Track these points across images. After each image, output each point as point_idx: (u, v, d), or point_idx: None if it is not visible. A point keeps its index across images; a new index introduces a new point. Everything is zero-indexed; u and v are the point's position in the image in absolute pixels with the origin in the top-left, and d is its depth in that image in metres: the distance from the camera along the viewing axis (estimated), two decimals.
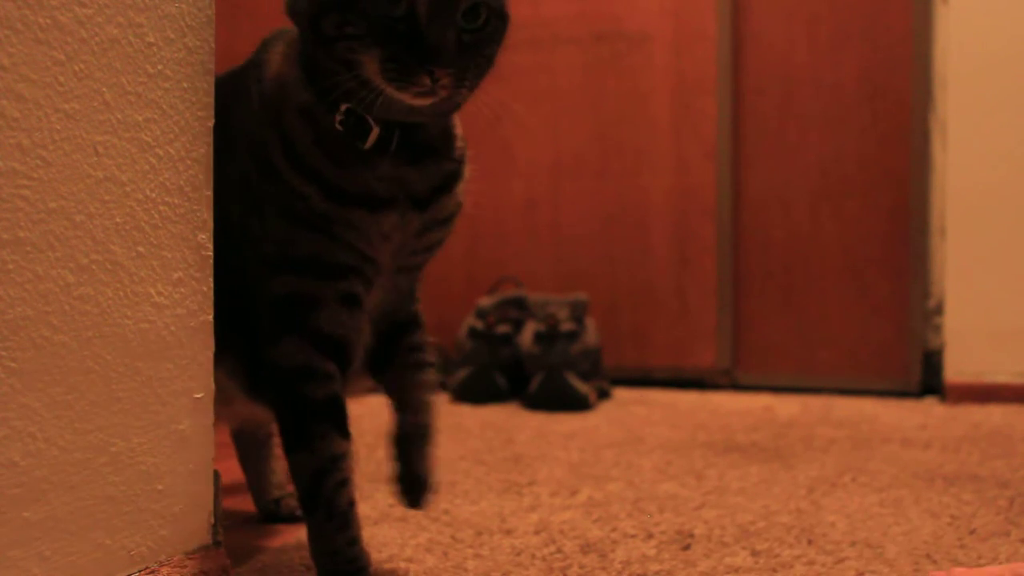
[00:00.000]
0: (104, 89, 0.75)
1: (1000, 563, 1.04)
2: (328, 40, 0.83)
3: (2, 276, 0.66)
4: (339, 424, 0.92)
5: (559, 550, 1.09)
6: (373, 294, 0.94)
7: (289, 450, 0.92)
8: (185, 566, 0.84)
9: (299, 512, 1.23)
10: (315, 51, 0.86)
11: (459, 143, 0.98)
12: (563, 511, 1.27)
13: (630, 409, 2.18)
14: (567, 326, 2.23)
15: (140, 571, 0.80)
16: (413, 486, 0.99)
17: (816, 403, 2.26)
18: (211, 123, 0.87)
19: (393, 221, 0.91)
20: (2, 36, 0.66)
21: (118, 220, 0.77)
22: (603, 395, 2.35)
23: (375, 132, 0.87)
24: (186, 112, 0.84)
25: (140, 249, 0.79)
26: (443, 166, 0.94)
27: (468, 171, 0.99)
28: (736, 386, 2.55)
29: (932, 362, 2.40)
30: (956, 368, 2.29)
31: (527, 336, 2.28)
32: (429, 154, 0.92)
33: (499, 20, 0.89)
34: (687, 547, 1.11)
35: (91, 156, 0.74)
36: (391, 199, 0.90)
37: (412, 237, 0.94)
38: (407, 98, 0.82)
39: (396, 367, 1.01)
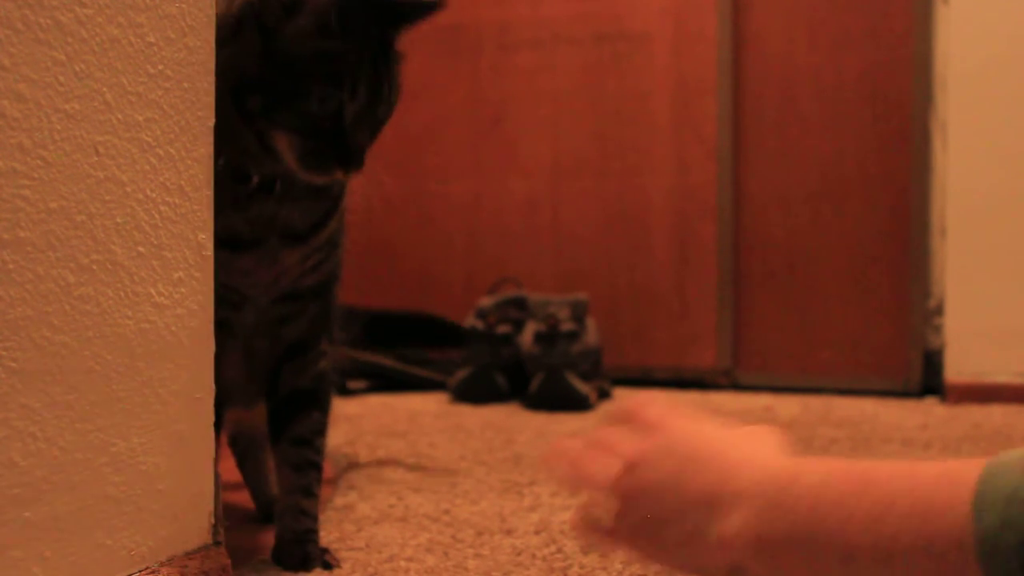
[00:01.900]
0: (105, 89, 0.75)
1: None
2: (247, 113, 0.89)
3: (2, 276, 0.66)
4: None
5: (560, 550, 1.09)
6: (246, 314, 0.97)
7: None
8: (185, 566, 0.84)
9: None
10: (226, 112, 0.88)
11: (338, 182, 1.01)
12: (564, 511, 1.26)
13: None
14: (567, 326, 2.23)
15: (140, 571, 0.80)
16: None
17: (816, 403, 2.26)
18: (211, 123, 0.87)
19: (253, 261, 0.95)
20: (2, 36, 0.66)
21: (119, 220, 0.77)
22: (603, 395, 2.35)
23: (255, 180, 0.93)
24: (186, 112, 0.84)
25: (140, 249, 0.79)
26: (321, 204, 0.99)
27: (344, 202, 1.05)
28: (736, 386, 2.55)
29: (932, 362, 2.40)
30: (956, 368, 2.29)
31: (527, 336, 2.28)
32: (308, 195, 0.97)
33: (392, 109, 0.97)
34: None
35: (92, 156, 0.74)
36: (255, 241, 0.94)
37: (295, 265, 0.98)
38: (313, 179, 0.91)
39: (280, 452, 1.03)
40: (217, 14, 0.86)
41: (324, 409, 1.05)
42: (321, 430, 1.04)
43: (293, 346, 1.04)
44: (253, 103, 0.88)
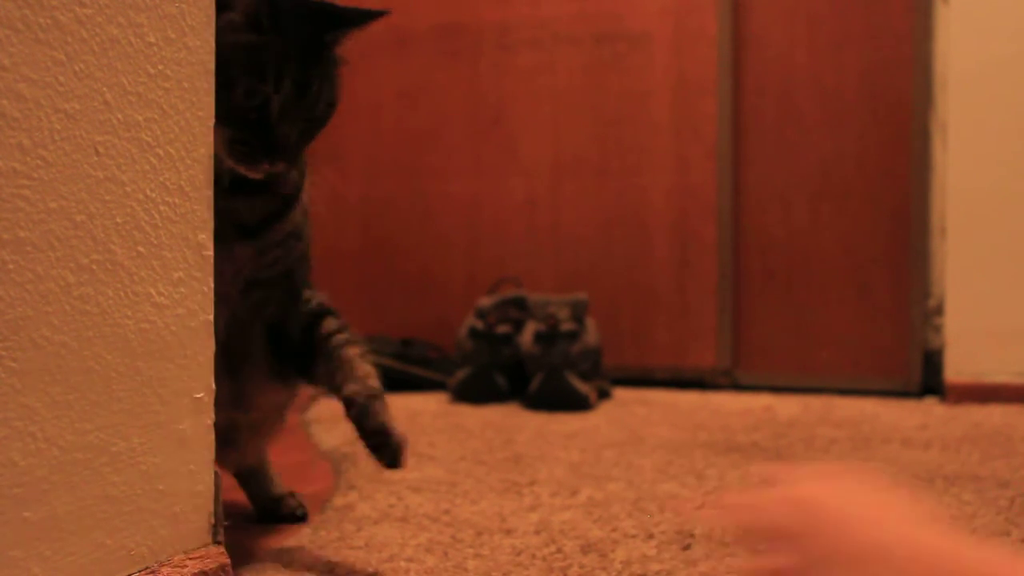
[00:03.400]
0: (104, 89, 0.75)
1: None
2: None
3: (2, 276, 0.66)
4: None
5: (559, 550, 1.09)
6: (219, 313, 0.97)
7: None
8: (185, 566, 0.84)
9: (299, 512, 1.24)
10: None
11: (294, 177, 1.05)
12: (563, 511, 1.27)
13: (630, 409, 2.18)
14: (567, 326, 2.23)
15: (140, 571, 0.80)
16: (381, 439, 1.00)
17: (816, 403, 2.26)
18: (211, 123, 0.87)
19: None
20: (2, 36, 0.66)
21: (118, 220, 0.77)
22: (603, 395, 2.35)
23: None
24: (186, 112, 0.84)
25: (140, 249, 0.79)
26: (273, 199, 1.02)
27: (305, 196, 1.08)
28: (736, 386, 2.55)
29: (932, 362, 2.40)
30: (956, 368, 2.29)
31: (527, 336, 2.28)
32: (259, 190, 1.00)
33: (330, 108, 1.00)
34: (687, 547, 1.11)
35: (91, 156, 0.74)
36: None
37: (251, 260, 1.01)
38: (243, 171, 0.95)
39: (320, 357, 1.05)
40: None
41: (336, 315, 1.08)
42: (341, 328, 1.07)
43: (275, 324, 1.08)
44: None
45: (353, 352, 1.05)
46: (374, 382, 1.02)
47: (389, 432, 1.00)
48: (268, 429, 1.20)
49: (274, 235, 1.04)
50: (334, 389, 1.03)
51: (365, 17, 0.97)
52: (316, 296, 1.11)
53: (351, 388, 1.01)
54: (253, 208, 1.01)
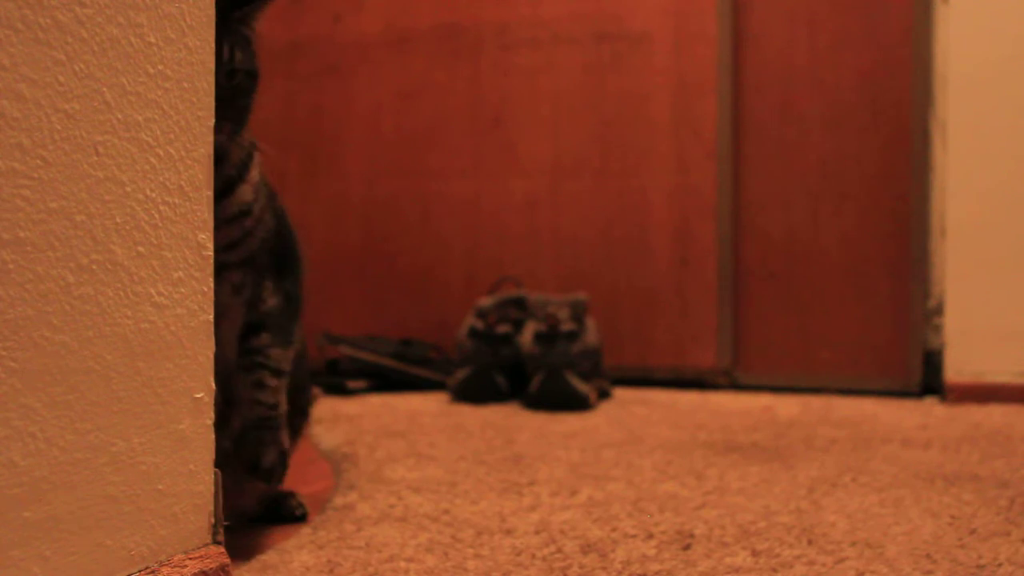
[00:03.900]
0: (104, 89, 0.75)
1: (1000, 563, 1.04)
2: None
3: (2, 276, 0.66)
4: None
5: (559, 550, 1.09)
6: None
7: None
8: (185, 566, 0.84)
9: (299, 512, 1.24)
10: None
11: (237, 154, 1.08)
12: (563, 511, 1.27)
13: (630, 409, 2.18)
14: (567, 326, 2.23)
15: (140, 571, 0.80)
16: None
17: (816, 403, 2.26)
18: (211, 123, 0.87)
19: None
20: (2, 36, 0.66)
21: (118, 220, 0.77)
22: (603, 395, 2.35)
23: None
24: (186, 112, 0.84)
25: (140, 249, 0.79)
26: (220, 173, 1.04)
27: (255, 174, 1.11)
28: (736, 386, 2.55)
29: (932, 362, 2.40)
30: (956, 368, 2.29)
31: (527, 336, 2.28)
32: None
33: (250, 78, 1.06)
34: (687, 547, 1.11)
35: (91, 156, 0.74)
36: None
37: None
38: None
39: (237, 366, 1.13)
40: None
41: (272, 332, 1.14)
42: (270, 344, 1.14)
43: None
44: None
45: (253, 379, 1.12)
46: (254, 412, 1.12)
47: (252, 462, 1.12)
48: None
49: (223, 211, 1.06)
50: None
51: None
52: (273, 296, 1.14)
53: (240, 415, 1.12)
54: None
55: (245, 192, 1.09)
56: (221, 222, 1.05)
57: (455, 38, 2.79)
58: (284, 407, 1.16)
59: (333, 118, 2.89)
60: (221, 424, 1.11)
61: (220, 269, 1.06)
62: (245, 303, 1.12)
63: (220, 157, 1.04)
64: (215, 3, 0.98)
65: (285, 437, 1.15)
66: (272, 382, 1.13)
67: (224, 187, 1.07)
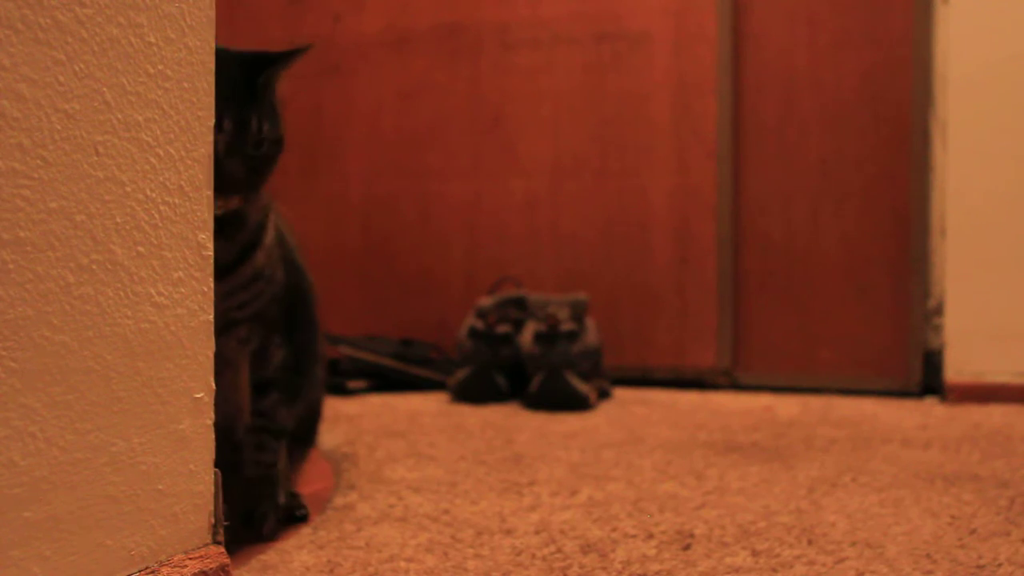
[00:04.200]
0: (104, 89, 0.75)
1: (1000, 563, 1.04)
2: None
3: (2, 276, 0.66)
4: None
5: (559, 550, 1.09)
6: None
7: None
8: (185, 566, 0.84)
9: (299, 512, 1.24)
10: None
11: (254, 219, 1.12)
12: (563, 511, 1.27)
13: (630, 409, 2.18)
14: (567, 326, 2.23)
15: (140, 571, 0.80)
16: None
17: (816, 403, 2.26)
18: (211, 123, 0.87)
19: None
20: (2, 36, 0.66)
21: (118, 220, 0.77)
22: (603, 395, 2.35)
23: None
24: (186, 112, 0.84)
25: (140, 249, 0.79)
26: (238, 240, 1.10)
27: (268, 238, 1.15)
28: (736, 386, 2.55)
29: (932, 362, 2.40)
30: (956, 368, 2.29)
31: (527, 336, 2.28)
32: (221, 233, 1.05)
33: (276, 145, 1.07)
34: (687, 547, 1.11)
35: (91, 156, 0.74)
36: None
37: (218, 301, 1.06)
38: None
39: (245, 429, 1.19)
40: None
41: (279, 390, 1.20)
42: (275, 404, 1.19)
43: (252, 362, 1.18)
44: None
45: (254, 441, 1.18)
46: (253, 471, 1.18)
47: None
48: None
49: (239, 278, 1.10)
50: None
51: (289, 57, 1.07)
52: (280, 349, 1.19)
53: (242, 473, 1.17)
54: (218, 251, 1.08)
55: (259, 258, 1.13)
56: (236, 288, 1.11)
57: (455, 38, 2.79)
58: (283, 462, 1.22)
59: (333, 118, 2.89)
60: (232, 469, 1.15)
61: (229, 325, 1.11)
62: (251, 353, 1.16)
63: (239, 224, 1.09)
64: (230, 73, 1.00)
65: (280, 492, 1.21)
66: (273, 444, 1.19)
67: (241, 254, 1.11)
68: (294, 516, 1.24)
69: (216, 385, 1.04)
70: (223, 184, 1.00)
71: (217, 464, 0.97)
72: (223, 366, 1.11)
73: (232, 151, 1.02)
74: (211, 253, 0.88)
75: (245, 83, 1.03)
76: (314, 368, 1.29)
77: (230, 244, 1.08)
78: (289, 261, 1.20)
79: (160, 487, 0.82)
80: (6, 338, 0.67)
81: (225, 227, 1.06)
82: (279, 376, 1.19)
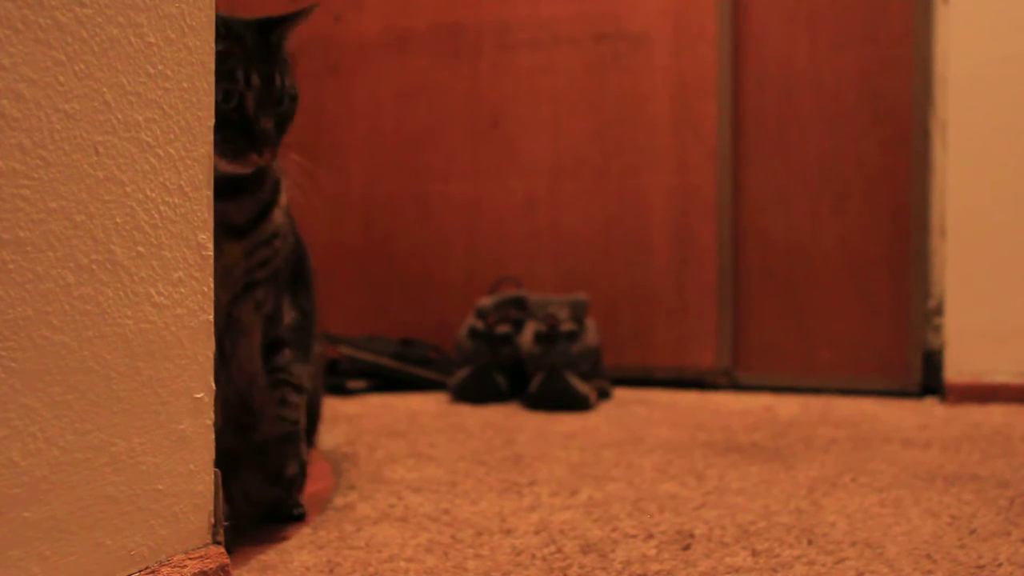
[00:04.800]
0: (104, 89, 0.75)
1: (1000, 563, 1.04)
2: None
3: (2, 276, 0.66)
4: None
5: (559, 550, 1.09)
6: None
7: None
8: (185, 566, 0.84)
9: (296, 511, 1.24)
10: None
11: (272, 178, 1.16)
12: (563, 511, 1.27)
13: (630, 409, 2.18)
14: (567, 326, 2.23)
15: (140, 571, 0.80)
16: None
17: (816, 403, 2.26)
18: (211, 123, 0.87)
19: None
20: (2, 36, 0.66)
21: (118, 220, 0.77)
22: (603, 395, 2.35)
23: None
24: (186, 112, 0.84)
25: (140, 249, 0.79)
26: (258, 198, 1.14)
27: (283, 198, 1.19)
28: (736, 386, 2.55)
29: (932, 362, 2.40)
30: (956, 368, 2.29)
31: (527, 336, 2.28)
32: (244, 191, 1.12)
33: (294, 102, 1.12)
34: (687, 547, 1.11)
35: (91, 156, 0.74)
36: None
37: (240, 259, 1.12)
38: (235, 168, 1.07)
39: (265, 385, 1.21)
40: None
41: (293, 348, 1.22)
42: (291, 361, 1.21)
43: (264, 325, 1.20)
44: None
45: (277, 396, 1.19)
46: (281, 427, 1.20)
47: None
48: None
49: (260, 235, 1.13)
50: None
51: (297, 16, 1.12)
52: (291, 311, 1.21)
53: (264, 429, 1.19)
54: (240, 209, 1.11)
55: (277, 215, 1.16)
56: (258, 245, 1.14)
57: (455, 38, 2.79)
58: (304, 421, 1.23)
59: (333, 118, 2.89)
60: (248, 432, 1.18)
61: (248, 287, 1.14)
62: (263, 318, 1.18)
63: (260, 182, 1.14)
64: (247, 35, 1.06)
65: (304, 449, 1.22)
66: (294, 399, 1.20)
67: (260, 212, 1.14)
68: (291, 515, 1.24)
69: (234, 353, 1.08)
70: (255, 140, 1.06)
71: (236, 428, 0.98)
72: (240, 335, 1.15)
73: (261, 108, 1.06)
74: (211, 253, 0.88)
75: (261, 44, 1.08)
76: (316, 336, 1.31)
77: (251, 202, 1.12)
78: (291, 222, 1.23)
79: (160, 487, 0.82)
80: (6, 338, 0.67)
81: (249, 185, 1.11)
82: (291, 335, 1.21)
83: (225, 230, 1.09)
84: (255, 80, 1.06)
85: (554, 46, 2.71)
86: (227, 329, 1.13)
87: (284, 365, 1.19)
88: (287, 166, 1.19)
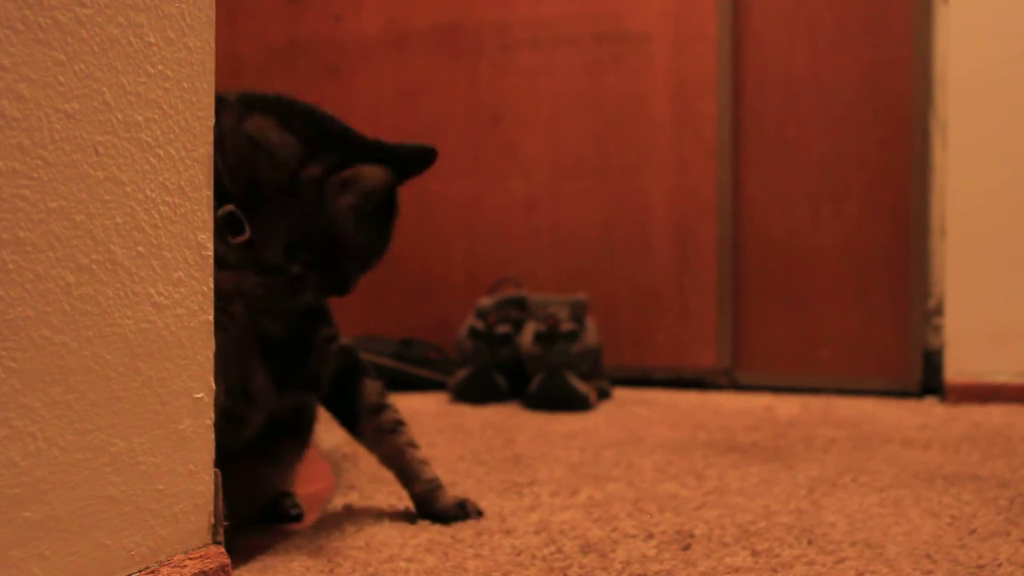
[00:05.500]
0: (104, 89, 0.75)
1: (1000, 563, 1.04)
2: (292, 261, 1.12)
3: (2, 276, 0.66)
4: None
5: (559, 550, 1.09)
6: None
7: None
8: (185, 566, 0.84)
9: (294, 512, 1.24)
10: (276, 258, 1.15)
11: None
12: (563, 511, 1.27)
13: (630, 409, 2.18)
14: (567, 326, 2.23)
15: (140, 571, 0.80)
16: (441, 519, 1.21)
17: (816, 403, 2.26)
18: (211, 123, 0.87)
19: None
20: (2, 36, 0.66)
21: (118, 220, 0.77)
22: (603, 395, 2.35)
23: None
24: (186, 112, 0.84)
25: (140, 249, 0.79)
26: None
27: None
28: (736, 386, 2.55)
29: (932, 362, 2.40)
30: (956, 368, 2.29)
31: (527, 336, 2.28)
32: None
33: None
34: (687, 547, 1.11)
35: (91, 156, 0.74)
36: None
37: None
38: (314, 302, 1.18)
39: (368, 429, 1.26)
40: (272, 165, 1.08)
41: (370, 373, 1.25)
42: (383, 391, 1.25)
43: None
44: (301, 257, 1.09)
45: (406, 446, 1.23)
46: (429, 473, 1.23)
47: (445, 516, 1.22)
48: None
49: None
50: (398, 476, 1.24)
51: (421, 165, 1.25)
52: (331, 328, 1.23)
53: (418, 487, 1.23)
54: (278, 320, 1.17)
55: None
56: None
57: (455, 38, 2.79)
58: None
59: None
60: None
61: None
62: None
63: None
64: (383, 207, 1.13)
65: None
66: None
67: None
68: (289, 515, 1.24)
69: None
70: (344, 292, 1.15)
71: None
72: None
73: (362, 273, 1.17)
74: (211, 253, 0.88)
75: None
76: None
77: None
78: None
79: (160, 487, 0.82)
80: (6, 338, 0.67)
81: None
82: (355, 358, 1.26)
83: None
84: (372, 260, 1.17)
85: (554, 46, 2.71)
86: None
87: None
88: None
